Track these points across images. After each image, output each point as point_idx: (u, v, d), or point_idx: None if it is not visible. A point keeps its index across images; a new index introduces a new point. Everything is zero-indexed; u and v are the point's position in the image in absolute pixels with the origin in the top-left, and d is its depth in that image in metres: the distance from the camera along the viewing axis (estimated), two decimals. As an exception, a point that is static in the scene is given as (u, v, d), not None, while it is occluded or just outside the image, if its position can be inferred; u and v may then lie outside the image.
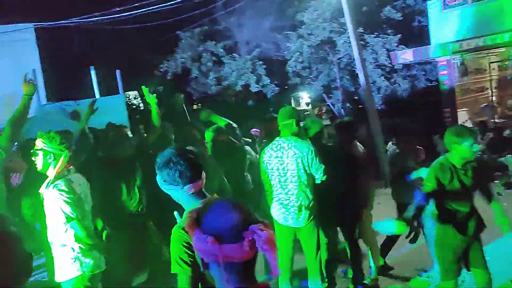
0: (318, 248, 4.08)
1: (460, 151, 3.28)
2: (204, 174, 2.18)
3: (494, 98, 11.60)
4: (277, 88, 15.53)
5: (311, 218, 3.98)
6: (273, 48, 15.36)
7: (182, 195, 2.13)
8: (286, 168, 3.95)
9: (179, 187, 2.10)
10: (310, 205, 3.95)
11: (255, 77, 15.02)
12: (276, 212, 4.06)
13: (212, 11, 15.88)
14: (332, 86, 14.93)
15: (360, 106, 14.10)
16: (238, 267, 1.33)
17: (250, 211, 1.39)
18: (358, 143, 4.74)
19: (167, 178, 2.12)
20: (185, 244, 1.96)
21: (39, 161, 3.26)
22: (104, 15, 12.04)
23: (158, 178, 2.17)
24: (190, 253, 1.93)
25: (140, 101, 14.73)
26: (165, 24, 15.07)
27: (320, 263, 4.12)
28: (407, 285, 4.63)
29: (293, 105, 21.67)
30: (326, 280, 4.32)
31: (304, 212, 3.93)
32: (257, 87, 15.11)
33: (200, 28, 16.34)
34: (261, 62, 15.14)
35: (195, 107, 21.79)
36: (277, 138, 4.08)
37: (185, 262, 1.95)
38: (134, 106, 15.46)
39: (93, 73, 8.91)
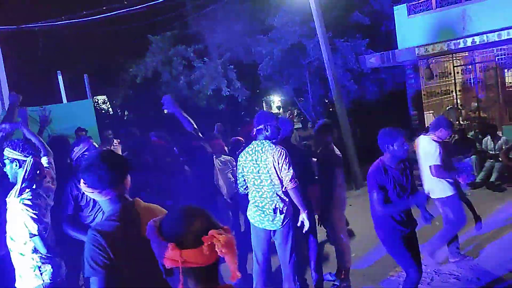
0: (292, 251, 4.11)
1: (392, 151, 3.47)
2: (129, 177, 2.19)
3: (458, 101, 11.97)
4: (248, 92, 15.56)
5: (286, 221, 4.03)
6: (244, 52, 15.39)
7: (101, 199, 2.15)
8: (260, 172, 3.99)
9: (98, 191, 2.11)
10: (285, 209, 4.00)
11: (226, 81, 15.00)
12: (252, 214, 4.12)
13: (183, 15, 15.81)
14: (303, 89, 15.08)
15: (330, 109, 14.30)
16: (199, 272, 1.35)
17: (210, 216, 1.42)
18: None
19: (87, 181, 2.13)
20: (99, 247, 1.96)
21: (7, 170, 3.22)
22: (71, 18, 11.79)
23: (81, 181, 2.17)
24: (105, 255, 1.95)
25: (109, 106, 14.47)
26: (135, 28, 14.91)
27: (294, 265, 4.15)
28: (379, 285, 4.71)
29: (264, 108, 21.81)
30: (298, 283, 4.35)
31: (278, 215, 3.99)
32: (229, 91, 15.10)
33: (171, 31, 16.22)
34: (232, 66, 15.14)
35: (165, 111, 21.50)
36: (253, 142, 4.14)
37: (98, 265, 1.95)
38: (103, 111, 15.16)
39: (60, 77, 8.69)
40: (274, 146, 4.00)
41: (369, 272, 5.02)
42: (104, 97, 20.89)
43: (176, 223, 1.38)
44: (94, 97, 17.64)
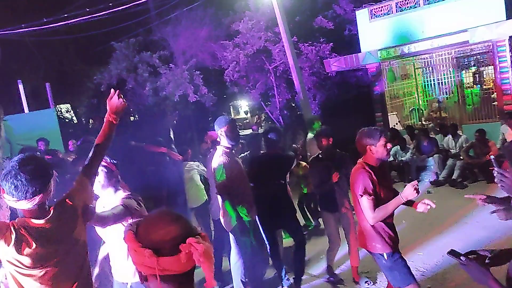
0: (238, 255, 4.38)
1: (375, 152, 3.23)
2: (52, 186, 2.11)
3: (420, 102, 12.33)
4: (215, 97, 15.54)
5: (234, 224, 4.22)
6: (209, 58, 15.37)
7: (18, 209, 2.09)
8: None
9: (14, 200, 2.04)
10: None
11: (192, 87, 14.93)
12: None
13: (147, 21, 15.64)
14: (270, 94, 15.18)
15: (298, 113, 14.45)
16: (175, 278, 1.34)
17: (188, 222, 1.40)
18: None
19: (5, 188, 2.04)
20: None
21: None
22: (32, 26, 11.47)
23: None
24: None
25: (73, 115, 14.12)
26: (98, 35, 14.65)
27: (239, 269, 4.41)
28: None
29: (232, 114, 21.83)
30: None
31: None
32: (195, 97, 15.03)
33: (135, 38, 16.02)
34: (198, 72, 15.09)
35: (132, 118, 21.25)
36: (217, 146, 4.33)
37: None
38: (66, 120, 14.77)
39: (20, 86, 8.44)
40: (221, 153, 4.15)
41: (345, 276, 5.10)
42: (68, 105, 20.40)
43: (154, 230, 1.34)
44: (57, 106, 17.19)
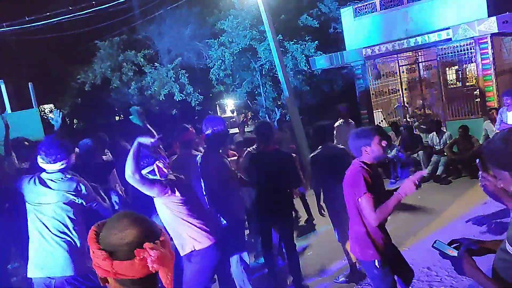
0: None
1: (371, 151, 3.09)
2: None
3: (405, 99, 12.45)
4: (201, 96, 15.50)
5: None
6: (195, 57, 15.33)
7: None
8: None
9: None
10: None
11: (178, 86, 14.87)
12: None
13: (131, 20, 15.53)
14: (256, 92, 15.20)
15: (284, 111, 14.50)
16: (131, 283, 1.31)
17: (150, 226, 1.36)
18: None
19: None
20: None
21: None
22: (14, 25, 11.29)
23: None
24: None
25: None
26: (82, 34, 14.48)
27: None
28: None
29: (218, 112, 21.78)
30: None
31: None
32: (181, 96, 14.97)
33: (119, 37, 15.89)
34: (184, 70, 15.03)
35: (117, 118, 21.04)
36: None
37: None
38: (50, 121, 14.54)
39: (2, 86, 8.29)
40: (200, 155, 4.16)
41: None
42: (51, 105, 20.14)
43: (111, 232, 1.32)
44: (41, 106, 16.95)
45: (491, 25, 8.96)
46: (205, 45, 14.71)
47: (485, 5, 9.48)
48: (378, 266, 3.05)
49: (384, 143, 3.09)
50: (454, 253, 1.85)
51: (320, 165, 4.66)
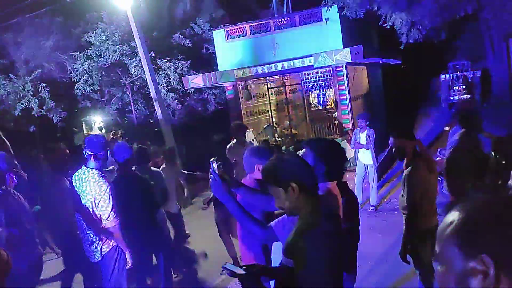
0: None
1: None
2: None
3: (274, 119, 13.12)
4: (64, 112, 14.38)
5: (105, 254, 3.95)
6: (57, 69, 14.22)
7: None
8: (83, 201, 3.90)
9: None
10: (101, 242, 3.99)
11: (37, 100, 13.60)
12: None
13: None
14: (127, 109, 14.63)
15: (156, 130, 14.17)
16: None
17: None
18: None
19: None
20: None
21: None
22: None
23: None
24: None
25: None
26: None
27: None
28: None
29: (84, 130, 20.39)
30: None
31: (94, 247, 4.04)
32: (41, 112, 13.71)
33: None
34: (44, 84, 13.81)
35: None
36: (83, 167, 4.03)
37: None
38: None
39: None
40: (98, 177, 3.67)
41: None
42: None
43: None
44: None
45: (346, 55, 9.96)
46: (70, 58, 13.76)
47: (341, 38, 10.55)
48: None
49: None
50: (242, 272, 1.87)
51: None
